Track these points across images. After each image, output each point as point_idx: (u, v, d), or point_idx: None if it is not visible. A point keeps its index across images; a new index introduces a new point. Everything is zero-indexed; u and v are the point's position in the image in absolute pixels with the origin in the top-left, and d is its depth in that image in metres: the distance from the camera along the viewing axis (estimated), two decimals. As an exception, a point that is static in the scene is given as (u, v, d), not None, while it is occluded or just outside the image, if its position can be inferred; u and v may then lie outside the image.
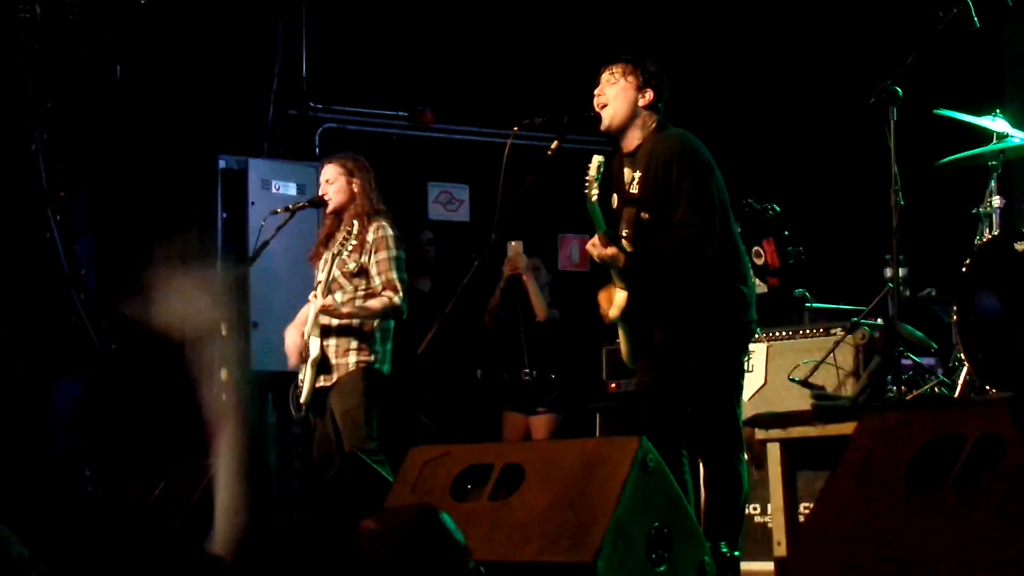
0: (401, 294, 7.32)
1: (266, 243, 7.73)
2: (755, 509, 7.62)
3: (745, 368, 6.18)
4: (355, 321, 7.34)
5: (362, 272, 7.36)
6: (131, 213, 9.75)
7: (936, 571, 3.34)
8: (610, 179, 6.10)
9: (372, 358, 7.36)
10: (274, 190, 9.85)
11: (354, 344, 7.35)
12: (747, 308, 6.05)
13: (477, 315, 9.84)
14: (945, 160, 7.14)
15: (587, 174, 5.72)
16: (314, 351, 7.35)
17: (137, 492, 7.25)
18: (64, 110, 9.42)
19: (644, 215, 5.99)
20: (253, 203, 9.73)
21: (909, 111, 6.62)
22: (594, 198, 5.76)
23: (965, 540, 3.34)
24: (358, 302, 7.36)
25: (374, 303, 7.33)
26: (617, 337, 6.28)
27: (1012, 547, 3.22)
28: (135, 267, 9.57)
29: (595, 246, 5.97)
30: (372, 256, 7.34)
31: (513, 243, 9.61)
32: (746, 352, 6.15)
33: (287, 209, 7.69)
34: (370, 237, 7.36)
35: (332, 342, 7.37)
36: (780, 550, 6.87)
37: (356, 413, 7.28)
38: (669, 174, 5.90)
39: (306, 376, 7.36)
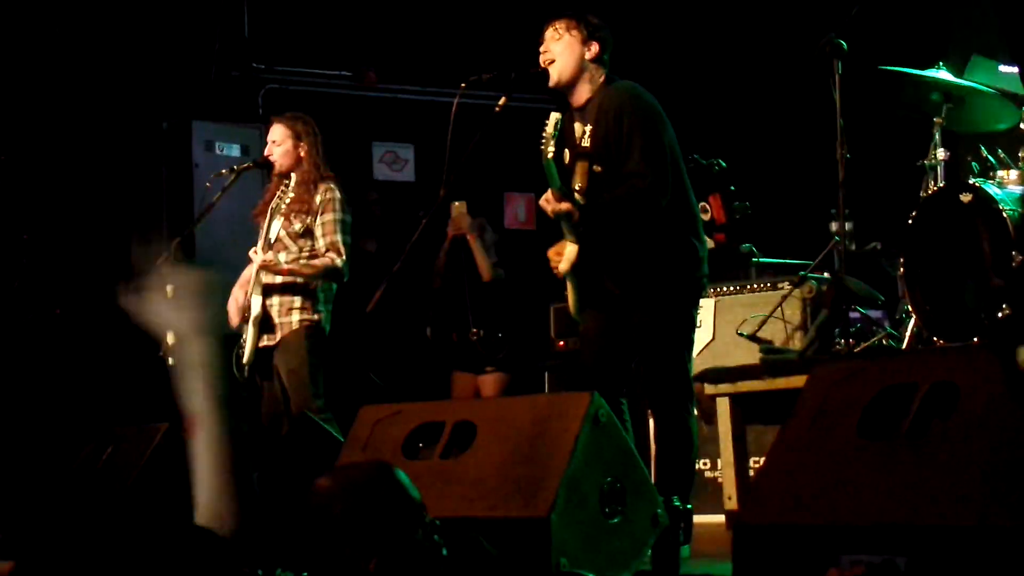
0: (344, 257, 7.29)
1: (211, 205, 7.67)
2: (705, 464, 7.66)
3: (696, 323, 6.16)
4: (298, 279, 7.31)
5: (307, 233, 7.33)
6: (73, 177, 9.66)
7: (890, 518, 3.35)
8: (562, 135, 6.08)
9: (316, 317, 7.34)
10: (218, 151, 9.79)
11: (297, 303, 7.32)
12: (700, 263, 6.05)
13: (424, 275, 9.82)
14: (889, 68, 7.09)
15: (544, 131, 5.70)
16: (255, 309, 7.30)
17: (86, 455, 7.21)
18: (2, 71, 9.33)
19: (597, 168, 5.98)
20: (197, 165, 9.67)
21: (854, 64, 6.63)
22: (550, 155, 5.75)
23: (919, 487, 3.35)
24: (301, 262, 7.32)
25: (316, 263, 7.30)
26: (565, 295, 6.27)
27: (965, 493, 3.24)
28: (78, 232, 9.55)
29: (548, 201, 5.95)
30: (318, 217, 7.31)
31: (456, 203, 9.57)
32: (698, 307, 6.11)
33: (232, 170, 7.64)
34: (317, 199, 7.33)
35: (275, 300, 7.34)
36: (731, 504, 6.93)
37: (302, 372, 7.27)
38: (620, 125, 5.89)
39: (248, 335, 7.32)
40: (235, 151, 9.78)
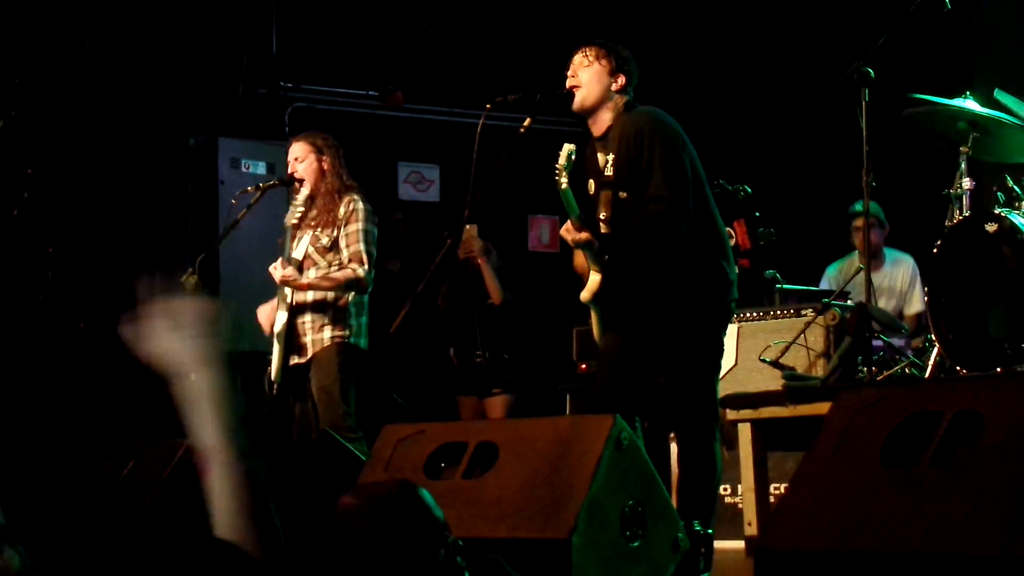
0: (367, 267, 7.25)
1: (236, 222, 7.69)
2: (726, 490, 7.65)
3: (723, 347, 6.14)
4: (329, 295, 7.30)
5: (335, 246, 7.31)
6: (100, 192, 9.70)
7: (913, 546, 3.35)
8: (583, 165, 6.09)
9: (347, 332, 7.31)
10: (244, 169, 9.82)
11: (328, 319, 7.30)
12: (729, 287, 6.03)
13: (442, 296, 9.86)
14: (915, 111, 7.10)
15: (557, 162, 5.72)
16: (279, 324, 7.30)
17: (107, 470, 7.23)
18: (32, 87, 9.37)
19: (622, 194, 5.97)
20: (223, 182, 9.70)
21: (881, 93, 6.63)
22: (563, 185, 5.76)
23: (942, 516, 3.35)
24: (321, 274, 7.30)
25: (336, 275, 7.26)
26: (588, 320, 6.28)
27: (989, 522, 3.24)
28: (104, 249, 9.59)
29: (568, 231, 5.95)
30: (343, 229, 7.29)
31: (468, 226, 9.60)
32: (726, 331, 6.09)
33: (257, 188, 7.65)
34: (341, 211, 7.31)
35: (307, 317, 7.32)
36: (751, 530, 6.91)
37: (332, 388, 7.24)
38: (640, 148, 5.88)
39: (274, 351, 7.33)
40: (261, 168, 9.81)
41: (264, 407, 9.88)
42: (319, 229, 7.31)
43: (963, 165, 6.96)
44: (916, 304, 8.67)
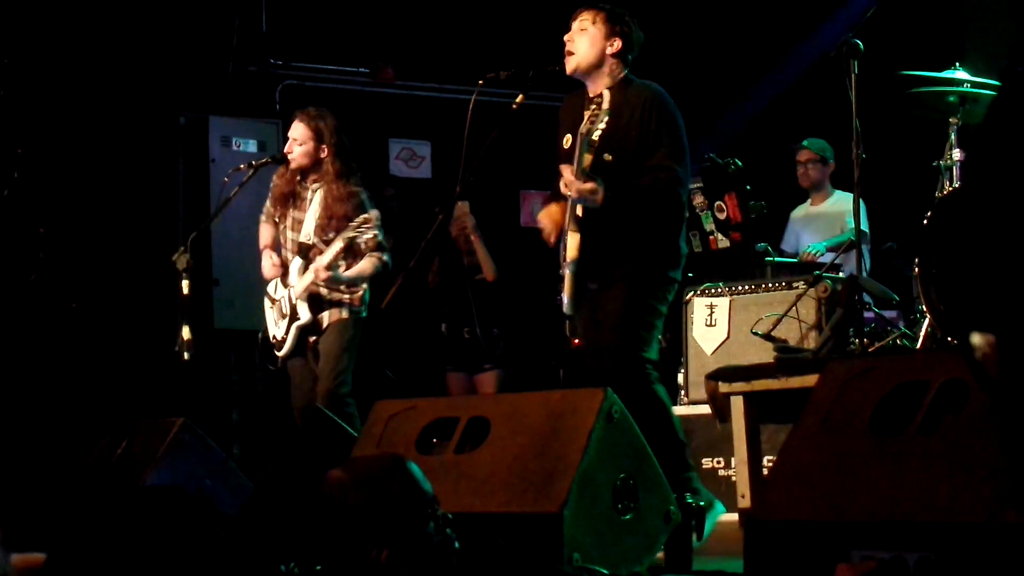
0: (387, 251, 7.36)
1: (228, 200, 7.70)
2: (719, 463, 7.66)
3: (659, 314, 6.12)
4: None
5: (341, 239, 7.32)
6: (90, 172, 9.69)
7: (901, 515, 3.36)
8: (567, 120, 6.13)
9: (361, 308, 7.37)
10: (235, 147, 9.82)
11: (343, 295, 7.36)
12: (675, 265, 6.12)
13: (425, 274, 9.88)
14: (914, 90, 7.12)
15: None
16: (304, 316, 7.31)
17: (101, 450, 7.23)
18: (22, 67, 9.35)
19: (607, 156, 5.98)
20: (214, 160, 9.70)
21: (870, 64, 6.63)
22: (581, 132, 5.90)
23: (930, 483, 3.36)
24: (352, 271, 7.31)
25: (366, 266, 7.36)
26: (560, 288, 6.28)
27: (976, 490, 3.25)
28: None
29: (571, 183, 5.94)
30: (351, 223, 7.29)
31: (460, 203, 9.61)
32: (661, 302, 6.10)
33: (249, 165, 7.64)
34: (347, 206, 7.32)
35: (317, 299, 7.35)
36: (744, 502, 6.90)
37: (339, 356, 7.29)
38: (648, 120, 5.97)
39: (290, 335, 7.33)
40: (252, 147, 9.81)
41: (259, 385, 9.91)
42: (325, 224, 7.31)
43: (953, 137, 6.97)
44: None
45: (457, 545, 3.46)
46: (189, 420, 6.87)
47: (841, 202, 9.08)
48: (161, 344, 7.57)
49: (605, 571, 3.62)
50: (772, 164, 9.38)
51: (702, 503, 5.56)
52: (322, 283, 7.28)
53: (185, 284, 7.24)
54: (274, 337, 7.49)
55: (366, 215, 7.21)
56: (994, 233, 3.10)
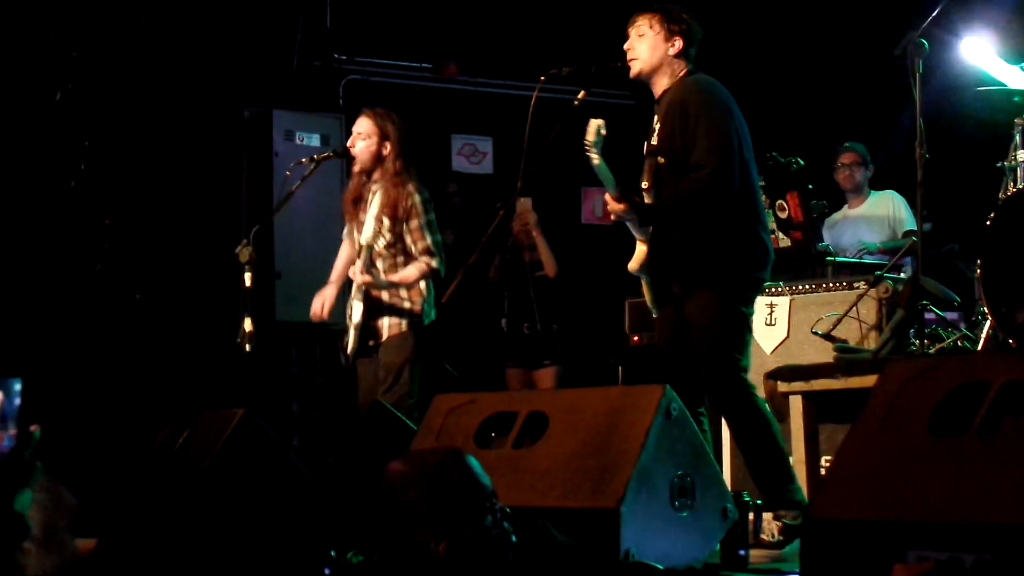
0: (439, 256, 7.29)
1: (291, 193, 7.72)
2: (777, 461, 7.63)
3: (749, 323, 6.06)
4: (393, 289, 7.35)
5: (398, 240, 7.33)
6: (156, 164, 9.77)
7: (959, 516, 3.35)
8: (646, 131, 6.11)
9: (420, 312, 7.36)
10: (298, 141, 9.87)
11: (403, 305, 7.34)
12: (760, 262, 5.98)
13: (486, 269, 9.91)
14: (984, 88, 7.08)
15: (586, 139, 5.73)
16: (357, 316, 7.32)
17: (163, 438, 7.29)
18: (89, 60, 9.44)
19: (660, 160, 5.97)
20: (277, 154, 9.75)
21: (935, 63, 6.60)
22: (595, 160, 5.77)
23: (988, 485, 3.35)
24: (396, 275, 7.31)
25: (412, 271, 7.28)
26: (642, 291, 6.28)
27: (1036, 492, 3.24)
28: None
29: (608, 203, 5.97)
30: (405, 224, 7.30)
31: (522, 199, 9.64)
32: (749, 306, 6.01)
33: (311, 159, 7.66)
34: (401, 206, 7.33)
35: (383, 295, 7.35)
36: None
37: (401, 369, 7.28)
38: (686, 115, 5.86)
39: (350, 338, 7.35)
40: (315, 140, 9.86)
41: (319, 377, 9.97)
42: (382, 222, 7.31)
43: (1018, 138, 6.93)
44: (908, 224, 8.96)
45: (515, 539, 3.48)
46: (250, 411, 6.92)
47: (883, 202, 9.08)
48: (223, 336, 7.60)
49: (660, 567, 3.63)
50: (828, 163, 9.36)
51: (759, 502, 5.56)
52: (364, 286, 7.27)
53: (247, 276, 7.28)
54: (346, 336, 7.50)
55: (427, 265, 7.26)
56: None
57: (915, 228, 8.39)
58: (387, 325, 7.34)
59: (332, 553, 3.98)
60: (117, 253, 9.38)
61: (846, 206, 9.34)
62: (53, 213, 9.19)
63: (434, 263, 7.28)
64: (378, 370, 7.37)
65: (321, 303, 7.46)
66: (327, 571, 3.70)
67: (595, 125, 5.74)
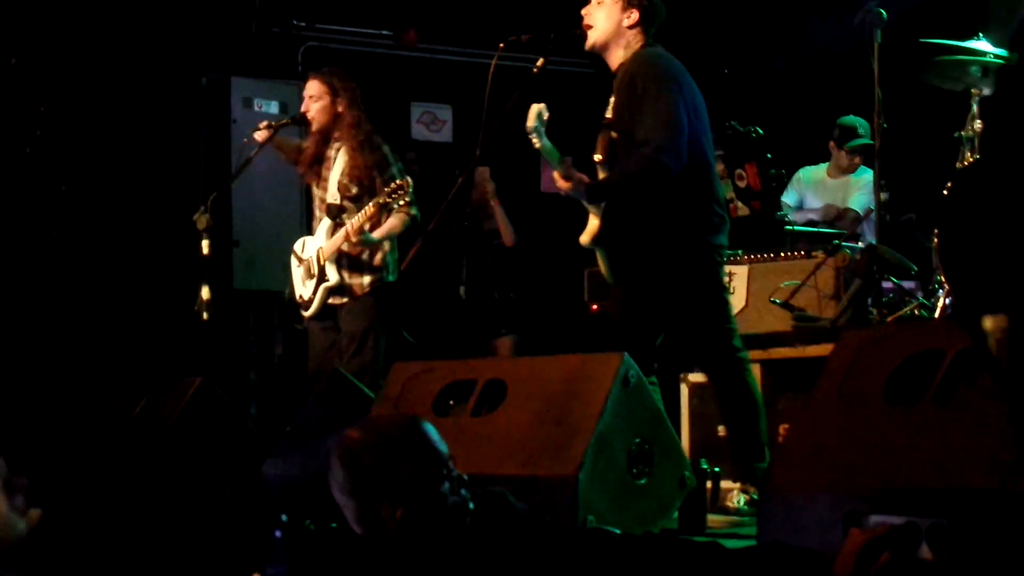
0: (415, 204, 7.30)
1: (248, 160, 7.70)
2: (734, 429, 7.66)
3: (725, 287, 6.08)
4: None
5: (367, 193, 7.31)
6: (112, 131, 9.71)
7: (914, 482, 3.38)
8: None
9: (383, 273, 7.35)
10: (256, 108, 9.82)
11: (367, 261, 7.34)
12: (716, 230, 5.94)
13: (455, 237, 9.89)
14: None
15: (527, 124, 5.72)
16: (332, 277, 7.30)
17: (120, 407, 7.28)
18: (44, 26, 9.37)
19: (614, 135, 5.95)
20: (235, 121, 9.70)
21: (892, 32, 6.60)
22: (537, 145, 5.77)
23: (943, 451, 3.38)
24: (382, 230, 7.30)
25: (395, 222, 7.30)
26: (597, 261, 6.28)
27: (989, 458, 3.26)
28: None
29: (557, 180, 5.96)
30: (379, 176, 7.29)
31: (480, 168, 9.63)
32: (715, 273, 5.98)
33: (269, 126, 7.64)
34: (368, 156, 7.32)
35: (345, 260, 7.34)
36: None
37: (365, 336, 7.28)
38: (634, 90, 5.81)
39: (317, 296, 7.32)
40: (273, 108, 9.81)
41: (277, 346, 9.94)
42: (348, 180, 7.30)
43: (975, 107, 6.95)
44: (853, 203, 8.76)
45: (472, 506, 3.48)
46: (207, 380, 6.90)
47: (865, 176, 9.02)
48: (180, 304, 7.58)
49: (617, 531, 3.64)
50: (793, 132, 9.34)
51: (717, 469, 5.58)
52: (353, 245, 7.26)
53: (205, 244, 7.27)
54: (300, 297, 7.48)
55: (400, 183, 7.18)
56: (1012, 205, 3.10)
57: (858, 208, 8.45)
58: (351, 285, 7.32)
59: (283, 517, 3.97)
60: (73, 220, 9.32)
61: (824, 170, 9.14)
62: (8, 179, 9.12)
63: (413, 211, 7.30)
64: (340, 338, 7.36)
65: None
66: (277, 534, 3.69)
67: (535, 110, 5.73)
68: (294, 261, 7.57)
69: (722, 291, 6.01)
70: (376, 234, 7.27)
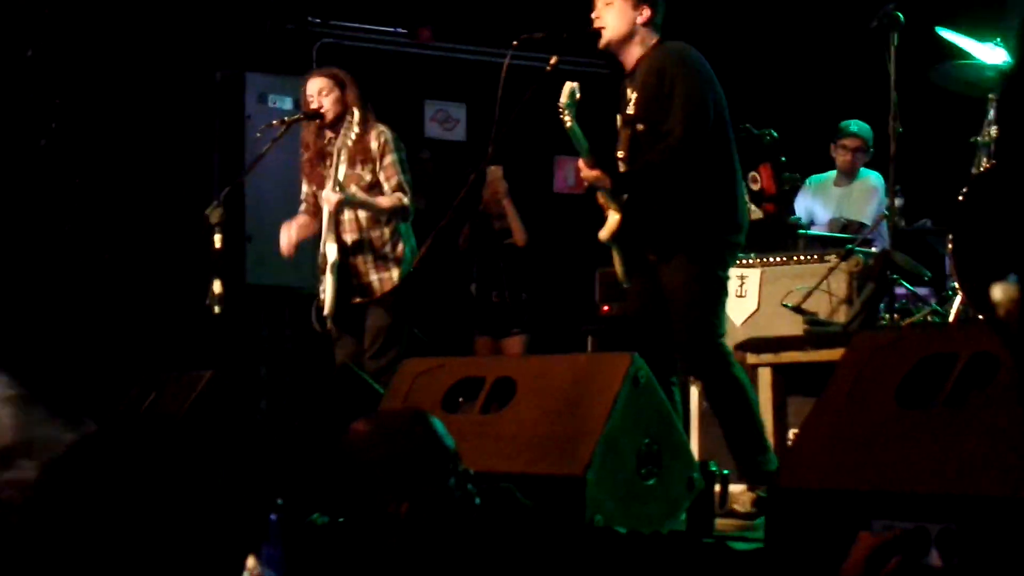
0: (409, 195, 7.29)
1: (261, 156, 7.69)
2: (745, 433, 7.64)
3: (726, 287, 6.05)
4: (384, 232, 7.30)
5: (377, 183, 7.31)
6: (126, 126, 9.72)
7: (925, 487, 3.36)
8: (614, 102, 6.06)
9: (404, 267, 7.32)
10: (270, 104, 9.83)
11: (389, 256, 7.32)
12: (735, 229, 5.94)
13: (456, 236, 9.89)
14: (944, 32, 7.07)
15: (559, 101, 5.69)
16: (332, 255, 7.25)
17: (130, 399, 7.28)
18: (60, 19, 9.38)
19: (639, 127, 5.93)
20: (249, 117, 9.71)
21: (910, 37, 6.58)
22: (568, 123, 5.73)
23: (954, 456, 3.36)
24: (364, 196, 7.29)
25: (383, 200, 7.28)
26: (612, 260, 6.25)
27: (1001, 464, 3.24)
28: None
29: (580, 170, 5.94)
30: (379, 163, 7.30)
31: (492, 167, 9.63)
32: (725, 270, 5.95)
33: (283, 122, 7.63)
34: (373, 144, 7.32)
35: (368, 256, 7.32)
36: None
37: (386, 333, 7.26)
38: (662, 82, 5.81)
39: (328, 284, 7.26)
40: (287, 104, 9.81)
41: (288, 342, 9.94)
42: (358, 166, 7.30)
43: (991, 113, 6.92)
44: (866, 215, 8.70)
45: (478, 501, 3.47)
46: (218, 374, 6.90)
47: (869, 180, 8.98)
48: (192, 298, 7.57)
49: (623, 530, 3.63)
50: (808, 135, 9.32)
51: (726, 471, 5.56)
52: (335, 206, 7.20)
53: (218, 238, 7.25)
54: (321, 293, 7.43)
55: (396, 178, 7.21)
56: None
57: (867, 219, 8.42)
58: (377, 281, 7.31)
59: (279, 501, 3.95)
60: (87, 213, 9.33)
61: (832, 179, 9.14)
62: (23, 172, 9.13)
63: (405, 200, 7.28)
64: (366, 335, 7.33)
65: (288, 237, 7.42)
66: (272, 517, 3.67)
67: (569, 88, 5.71)
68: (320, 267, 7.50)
69: (721, 285, 5.94)
70: (359, 196, 7.25)
